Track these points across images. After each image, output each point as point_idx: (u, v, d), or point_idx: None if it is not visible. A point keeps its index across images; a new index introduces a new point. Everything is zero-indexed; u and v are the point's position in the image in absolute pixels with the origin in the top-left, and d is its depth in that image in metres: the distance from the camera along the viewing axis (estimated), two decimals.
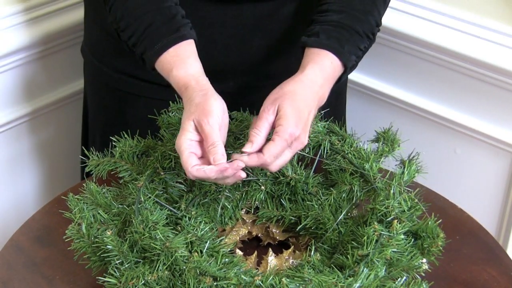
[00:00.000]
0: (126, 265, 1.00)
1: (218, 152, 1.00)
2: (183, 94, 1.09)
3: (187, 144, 1.02)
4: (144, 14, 1.14)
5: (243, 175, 1.02)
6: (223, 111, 1.05)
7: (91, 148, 1.18)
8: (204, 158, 1.03)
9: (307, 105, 1.06)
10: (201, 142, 1.04)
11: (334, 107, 1.40)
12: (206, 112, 1.02)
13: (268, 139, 1.04)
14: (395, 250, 1.02)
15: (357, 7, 1.18)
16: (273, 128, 1.05)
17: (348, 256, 1.02)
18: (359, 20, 1.17)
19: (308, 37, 1.15)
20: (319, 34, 1.15)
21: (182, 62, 1.11)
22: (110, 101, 1.40)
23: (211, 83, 1.08)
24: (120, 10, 1.16)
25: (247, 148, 1.02)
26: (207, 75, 1.10)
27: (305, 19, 1.24)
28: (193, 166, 1.01)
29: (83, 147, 1.53)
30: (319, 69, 1.11)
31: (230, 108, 1.21)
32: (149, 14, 1.14)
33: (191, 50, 1.13)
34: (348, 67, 1.15)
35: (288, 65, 1.13)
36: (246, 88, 1.32)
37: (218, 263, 1.00)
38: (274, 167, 1.04)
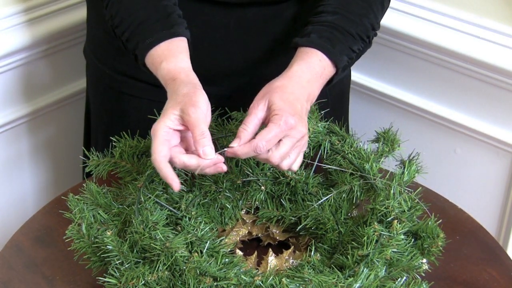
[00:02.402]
0: (126, 266, 1.00)
1: (207, 144, 0.99)
2: (169, 86, 1.06)
3: (163, 131, 1.00)
4: (139, 10, 1.14)
5: (224, 168, 1.01)
6: (207, 108, 1.03)
7: (92, 149, 1.18)
8: (179, 147, 1.02)
9: (296, 98, 1.06)
10: (180, 132, 1.02)
11: (336, 107, 1.40)
12: (193, 102, 1.01)
13: None
14: (395, 250, 1.02)
15: (352, 9, 1.18)
16: (264, 124, 1.04)
17: (348, 256, 1.02)
18: (353, 22, 1.17)
19: (300, 38, 1.15)
20: (311, 34, 1.15)
21: (173, 56, 1.09)
22: (113, 103, 1.40)
23: (213, 86, 1.07)
24: (116, 6, 1.16)
25: (235, 143, 1.01)
26: (209, 78, 1.09)
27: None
28: (162, 155, 0.99)
29: (85, 148, 1.53)
30: (306, 66, 1.11)
31: (231, 110, 1.21)
32: (144, 11, 1.14)
33: (183, 47, 1.12)
34: (340, 67, 1.14)
35: None
36: (247, 90, 1.32)
37: (218, 263, 1.00)
38: (275, 158, 1.02)
